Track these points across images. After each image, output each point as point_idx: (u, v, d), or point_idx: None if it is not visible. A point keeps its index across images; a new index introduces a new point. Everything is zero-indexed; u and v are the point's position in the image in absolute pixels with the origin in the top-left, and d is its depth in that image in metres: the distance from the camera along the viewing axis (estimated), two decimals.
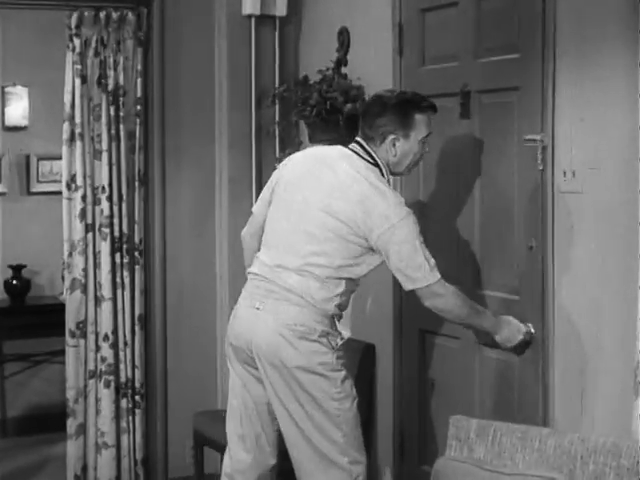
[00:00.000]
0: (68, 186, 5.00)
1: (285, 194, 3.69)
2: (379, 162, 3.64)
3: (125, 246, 5.06)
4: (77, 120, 4.95)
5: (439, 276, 3.55)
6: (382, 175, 3.63)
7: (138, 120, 5.05)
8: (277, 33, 5.15)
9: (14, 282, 6.35)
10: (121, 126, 5.01)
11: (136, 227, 5.09)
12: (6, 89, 6.37)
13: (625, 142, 3.25)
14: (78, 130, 4.95)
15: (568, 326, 3.52)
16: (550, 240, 3.58)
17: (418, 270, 3.53)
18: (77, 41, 4.92)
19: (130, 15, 5.00)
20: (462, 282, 3.80)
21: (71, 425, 5.07)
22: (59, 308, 5.22)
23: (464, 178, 4.02)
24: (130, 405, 5.11)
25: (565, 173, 3.51)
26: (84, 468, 5.10)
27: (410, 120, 3.62)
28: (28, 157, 6.48)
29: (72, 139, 4.97)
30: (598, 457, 2.88)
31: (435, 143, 3.92)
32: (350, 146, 3.68)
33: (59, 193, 5.11)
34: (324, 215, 3.58)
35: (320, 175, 3.65)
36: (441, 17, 4.13)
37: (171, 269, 5.21)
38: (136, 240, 5.09)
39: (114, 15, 4.96)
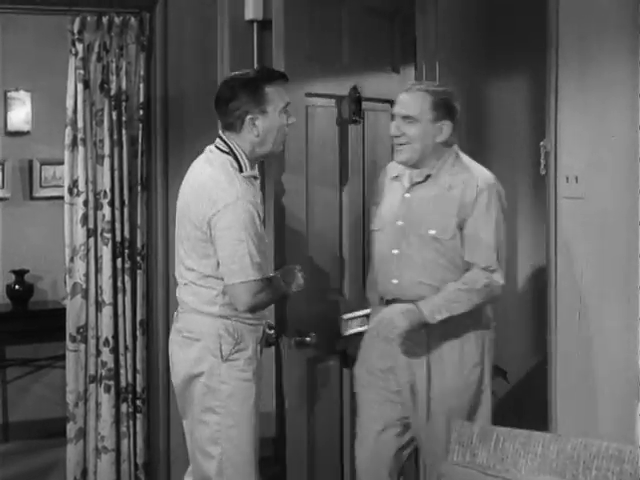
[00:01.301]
0: (70, 191, 4.99)
1: None
2: (233, 149, 3.49)
3: (127, 251, 5.05)
4: (79, 125, 4.94)
5: (259, 276, 3.39)
6: (237, 161, 3.48)
7: (141, 125, 5.04)
8: None
9: (17, 287, 6.35)
10: (123, 131, 5.00)
11: (138, 232, 5.08)
12: (9, 94, 6.37)
13: (628, 147, 3.25)
14: (80, 135, 4.94)
15: (570, 329, 3.52)
16: (553, 244, 3.57)
17: (239, 262, 3.36)
18: (80, 46, 4.91)
19: (133, 20, 4.99)
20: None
21: (71, 429, 5.05)
22: (61, 313, 5.20)
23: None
24: (131, 410, 5.10)
25: (568, 179, 3.50)
26: (84, 472, 5.09)
27: (262, 95, 3.46)
28: (31, 162, 6.48)
29: (74, 144, 4.96)
30: (601, 462, 2.87)
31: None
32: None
33: (62, 198, 5.09)
34: (181, 216, 3.57)
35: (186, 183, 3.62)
36: None
37: (173, 274, 5.18)
38: (138, 245, 5.08)
39: (117, 20, 4.95)
